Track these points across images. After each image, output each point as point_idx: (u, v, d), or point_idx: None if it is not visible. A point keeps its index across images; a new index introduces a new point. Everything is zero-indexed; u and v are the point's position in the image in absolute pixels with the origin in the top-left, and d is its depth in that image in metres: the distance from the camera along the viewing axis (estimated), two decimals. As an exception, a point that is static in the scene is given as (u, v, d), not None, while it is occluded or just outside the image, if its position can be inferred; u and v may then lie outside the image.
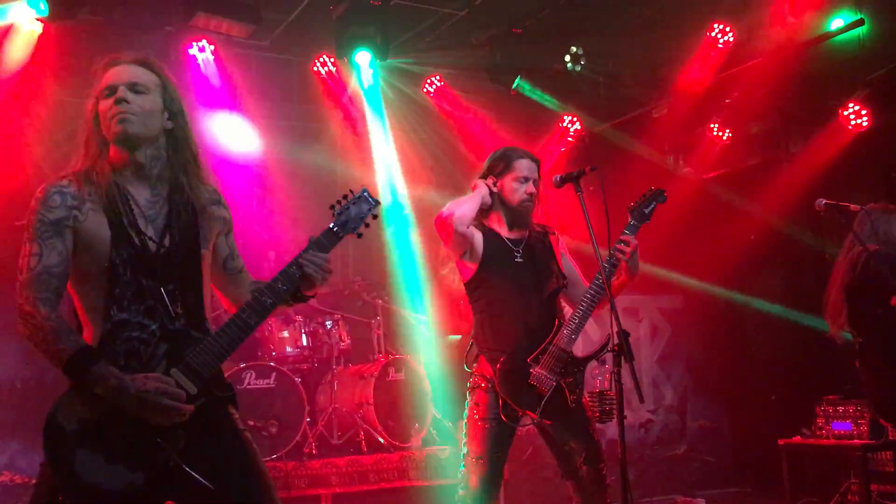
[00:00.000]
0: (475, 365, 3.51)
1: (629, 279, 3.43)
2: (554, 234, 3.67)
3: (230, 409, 2.44)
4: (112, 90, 2.42)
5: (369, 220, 2.59)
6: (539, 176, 3.56)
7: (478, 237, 3.49)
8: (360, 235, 2.58)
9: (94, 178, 2.38)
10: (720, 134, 7.83)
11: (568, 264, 3.67)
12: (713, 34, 7.08)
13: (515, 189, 3.50)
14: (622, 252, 3.36)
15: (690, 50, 7.28)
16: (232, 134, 7.10)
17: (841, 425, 5.96)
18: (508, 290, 3.48)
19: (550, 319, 3.45)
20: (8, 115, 6.04)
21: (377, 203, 2.60)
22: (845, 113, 6.65)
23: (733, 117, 7.68)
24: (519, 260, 3.49)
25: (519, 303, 3.46)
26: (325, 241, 2.50)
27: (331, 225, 2.53)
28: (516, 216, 3.55)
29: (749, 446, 7.75)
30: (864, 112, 6.59)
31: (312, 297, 2.60)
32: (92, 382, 2.20)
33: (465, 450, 3.43)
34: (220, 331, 2.37)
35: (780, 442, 6.32)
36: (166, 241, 2.40)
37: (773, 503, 6.56)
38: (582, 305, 3.39)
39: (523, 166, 3.51)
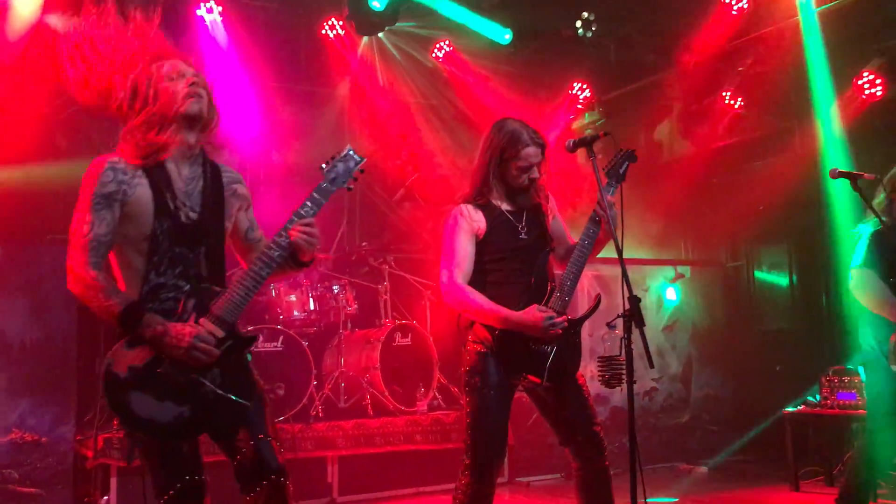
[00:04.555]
0: (469, 329, 3.50)
1: (606, 238, 3.44)
2: (546, 194, 3.67)
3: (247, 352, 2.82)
4: (182, 75, 2.79)
5: (356, 174, 2.90)
6: (543, 157, 3.55)
7: (479, 219, 3.50)
8: (350, 189, 2.91)
9: (144, 156, 2.71)
10: (732, 102, 7.76)
11: (558, 224, 3.70)
12: (727, 0, 7.00)
13: (517, 176, 3.51)
14: (602, 212, 3.39)
15: (703, 16, 7.20)
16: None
17: (846, 395, 5.98)
18: (509, 261, 3.49)
19: (544, 284, 3.47)
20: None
21: (362, 159, 2.90)
22: (860, 82, 6.57)
23: (747, 85, 7.59)
24: (524, 237, 3.51)
25: (518, 273, 3.48)
26: (318, 196, 2.81)
27: (322, 182, 2.84)
28: (515, 195, 3.57)
29: (753, 416, 7.78)
30: (878, 81, 6.52)
31: (310, 262, 2.90)
32: (142, 330, 2.58)
33: (468, 418, 3.42)
34: (237, 283, 2.73)
35: (785, 412, 6.35)
36: (203, 213, 2.78)
37: (775, 472, 6.59)
38: (572, 268, 3.43)
39: (530, 154, 3.49)
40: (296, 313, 6.36)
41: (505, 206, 3.55)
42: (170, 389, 2.60)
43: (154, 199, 2.70)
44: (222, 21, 6.82)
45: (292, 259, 2.84)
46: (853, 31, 6.80)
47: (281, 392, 5.84)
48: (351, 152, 2.90)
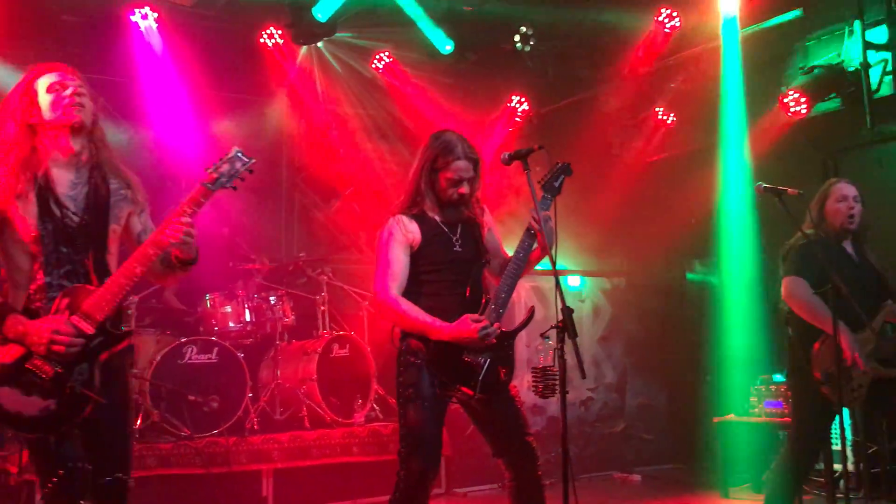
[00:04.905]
0: (403, 341, 3.51)
1: (542, 253, 3.48)
2: (481, 207, 3.70)
3: (127, 344, 2.96)
4: (64, 86, 2.96)
5: (244, 174, 3.00)
6: (476, 174, 3.57)
7: (414, 230, 3.51)
8: (234, 188, 3.00)
9: (26, 162, 2.88)
10: (665, 118, 7.94)
11: (492, 237, 3.72)
12: (660, 19, 7.19)
13: (445, 189, 3.54)
14: (538, 225, 3.42)
15: (638, 33, 7.37)
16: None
17: (773, 404, 6.16)
18: (444, 273, 3.51)
19: (479, 296, 3.50)
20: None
21: (250, 160, 3.00)
22: (785, 100, 6.80)
23: (678, 101, 7.80)
24: (458, 249, 3.53)
25: (452, 284, 3.50)
26: (198, 196, 2.92)
27: (204, 182, 2.94)
28: (445, 207, 3.59)
29: (685, 424, 7.93)
30: (803, 99, 6.75)
31: (192, 261, 3.03)
32: (6, 330, 2.78)
33: (402, 430, 3.43)
34: (110, 280, 2.87)
35: (715, 420, 6.50)
36: (85, 216, 2.93)
37: (706, 480, 6.74)
38: (506, 281, 3.45)
39: (460, 168, 3.51)
40: (231, 325, 6.28)
41: (439, 218, 3.57)
42: (37, 384, 2.76)
43: (38, 203, 2.86)
44: (158, 28, 6.72)
45: (177, 259, 2.99)
46: (779, 51, 7.05)
47: (215, 405, 5.75)
48: (238, 154, 2.99)
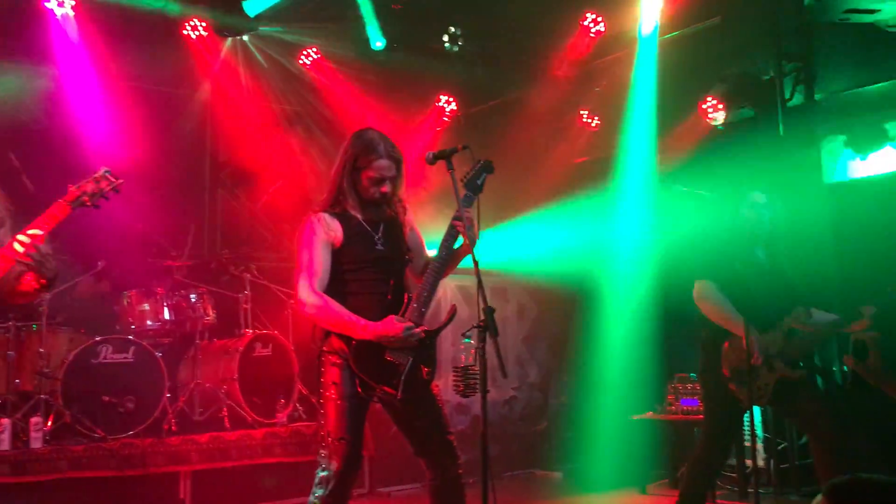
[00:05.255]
0: (325, 340, 3.47)
1: (466, 250, 3.44)
2: (403, 206, 3.69)
3: None
4: None
5: (109, 194, 2.96)
6: (398, 173, 3.55)
7: (335, 228, 3.48)
8: (97, 207, 2.94)
9: None
10: (589, 121, 8.08)
11: (414, 236, 3.72)
12: (586, 23, 7.31)
13: (367, 188, 3.52)
14: (460, 224, 3.39)
15: (565, 37, 7.48)
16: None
17: (689, 401, 6.34)
18: (366, 272, 3.49)
19: (401, 295, 3.49)
20: None
21: (118, 180, 2.97)
22: (704, 106, 7.00)
23: (602, 105, 7.94)
24: (380, 248, 3.51)
25: (375, 283, 3.49)
26: (55, 212, 2.82)
27: (65, 199, 2.87)
28: (367, 206, 3.57)
29: (605, 422, 8.08)
30: (720, 106, 6.95)
31: (48, 283, 2.88)
32: None
33: (322, 430, 3.40)
34: None
35: (634, 417, 6.64)
36: None
37: (625, 476, 6.87)
38: (429, 280, 3.45)
39: (382, 167, 3.49)
40: (149, 323, 6.13)
41: (361, 217, 3.54)
42: None
43: None
44: (75, 16, 6.50)
45: (34, 279, 2.86)
46: (700, 58, 7.25)
47: (131, 405, 5.60)
48: (107, 174, 2.96)
